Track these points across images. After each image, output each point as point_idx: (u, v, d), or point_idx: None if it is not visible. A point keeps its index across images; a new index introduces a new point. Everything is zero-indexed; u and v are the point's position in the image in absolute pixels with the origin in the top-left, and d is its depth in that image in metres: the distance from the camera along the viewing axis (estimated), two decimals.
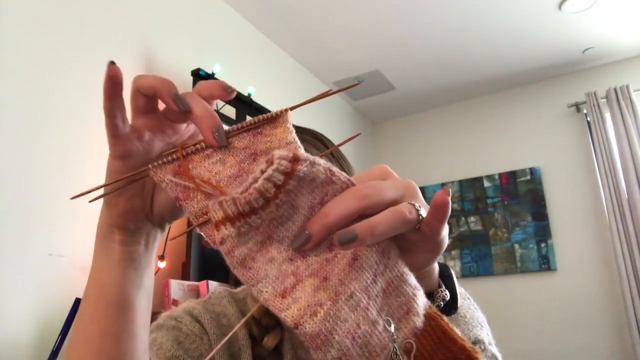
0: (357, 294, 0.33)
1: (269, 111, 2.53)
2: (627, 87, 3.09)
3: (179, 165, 0.39)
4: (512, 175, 3.38)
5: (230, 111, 2.18)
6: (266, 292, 0.33)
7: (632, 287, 2.81)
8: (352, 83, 3.27)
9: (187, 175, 0.38)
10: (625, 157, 2.99)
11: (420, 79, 3.34)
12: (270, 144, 0.40)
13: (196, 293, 1.69)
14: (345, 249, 0.33)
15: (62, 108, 1.54)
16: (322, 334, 0.31)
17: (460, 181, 3.50)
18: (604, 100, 3.18)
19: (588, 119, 3.23)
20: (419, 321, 0.33)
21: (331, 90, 0.44)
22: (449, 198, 0.35)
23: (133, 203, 0.43)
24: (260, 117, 0.42)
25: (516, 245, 3.26)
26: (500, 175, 3.41)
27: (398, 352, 0.32)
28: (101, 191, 0.42)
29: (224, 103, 2.13)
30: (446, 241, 0.38)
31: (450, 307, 0.47)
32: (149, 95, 0.41)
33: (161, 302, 1.65)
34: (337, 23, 2.67)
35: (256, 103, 2.29)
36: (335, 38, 2.80)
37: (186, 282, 1.69)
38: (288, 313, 0.32)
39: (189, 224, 0.39)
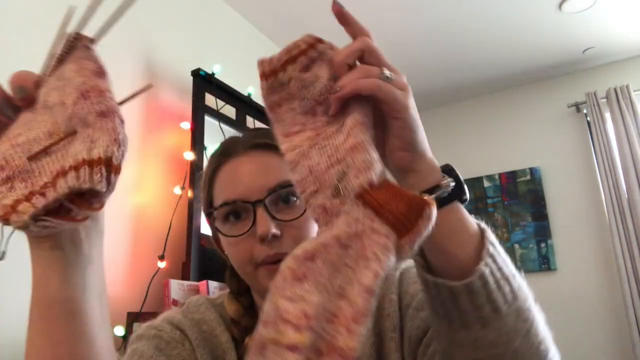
0: (328, 147, 0.43)
1: None
2: (627, 87, 3.09)
3: None
4: (512, 175, 3.38)
5: (230, 111, 2.18)
6: (278, 129, 0.46)
7: (632, 287, 2.81)
8: None
9: None
10: (625, 157, 2.99)
11: (420, 79, 3.34)
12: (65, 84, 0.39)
13: (196, 293, 1.69)
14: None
15: None
16: (293, 162, 0.44)
17: None
18: (604, 100, 3.18)
19: (588, 119, 3.23)
20: (375, 178, 0.41)
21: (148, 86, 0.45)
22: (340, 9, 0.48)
23: None
24: (57, 55, 0.41)
25: (516, 245, 3.26)
26: (500, 175, 3.41)
27: (340, 188, 0.41)
28: None
29: (223, 103, 2.13)
30: (402, 99, 0.44)
31: (460, 195, 0.49)
32: None
33: (161, 302, 1.65)
34: (337, 24, 2.66)
35: (256, 103, 2.29)
36: (335, 38, 2.79)
37: (186, 282, 1.69)
38: (282, 146, 0.46)
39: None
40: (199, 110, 1.98)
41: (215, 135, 2.04)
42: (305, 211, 0.64)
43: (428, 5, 2.57)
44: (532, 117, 3.44)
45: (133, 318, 1.54)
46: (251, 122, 2.28)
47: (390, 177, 0.44)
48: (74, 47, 0.39)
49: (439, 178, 0.48)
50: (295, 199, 0.64)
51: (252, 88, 2.29)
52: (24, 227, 0.34)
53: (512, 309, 0.46)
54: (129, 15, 1.83)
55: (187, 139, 1.94)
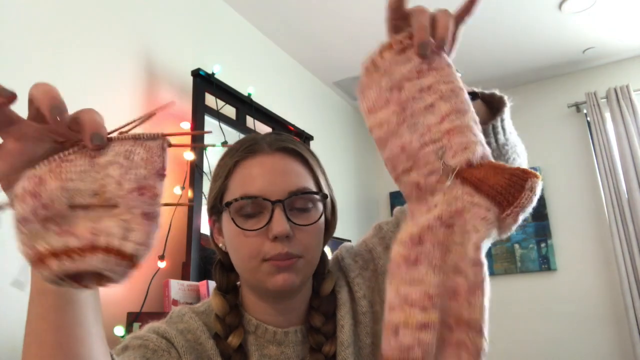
0: (419, 125, 0.46)
1: (269, 111, 2.50)
2: (627, 87, 3.09)
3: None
4: None
5: (230, 111, 2.18)
6: (362, 106, 0.49)
7: (632, 287, 2.81)
8: (352, 83, 3.28)
9: None
10: (625, 157, 2.99)
11: None
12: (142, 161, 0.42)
13: (196, 293, 1.69)
14: (427, 53, 0.50)
15: None
16: (382, 139, 0.47)
17: None
18: (604, 100, 3.18)
19: (588, 119, 3.23)
20: (473, 157, 0.43)
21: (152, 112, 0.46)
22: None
23: None
24: (140, 134, 0.44)
25: (516, 245, 3.26)
26: None
27: (444, 165, 0.43)
28: None
29: (224, 103, 2.13)
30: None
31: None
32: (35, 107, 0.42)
33: (161, 302, 1.65)
34: (337, 23, 2.67)
35: (256, 103, 2.29)
36: (335, 38, 2.80)
37: (186, 282, 1.69)
38: (367, 123, 0.49)
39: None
40: (199, 110, 1.98)
41: (215, 135, 2.04)
42: (318, 219, 0.68)
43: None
44: (532, 117, 3.44)
45: (133, 318, 1.54)
46: (251, 122, 2.28)
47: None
48: (154, 139, 0.42)
49: None
50: (310, 207, 0.68)
51: (252, 88, 2.29)
52: (44, 278, 0.38)
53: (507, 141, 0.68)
54: (129, 16, 1.84)
55: (187, 139, 1.94)
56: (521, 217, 0.40)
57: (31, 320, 0.45)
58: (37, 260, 0.37)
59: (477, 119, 0.46)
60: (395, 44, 0.51)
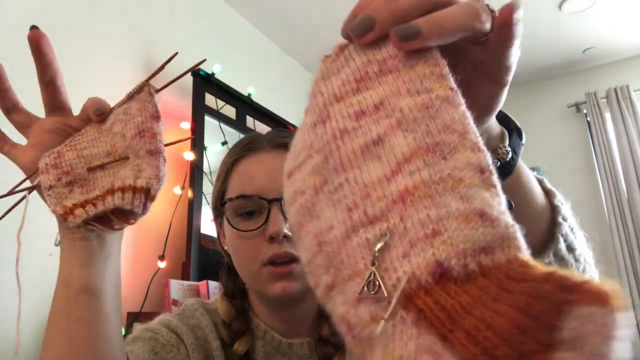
0: (348, 188, 0.23)
1: (269, 111, 2.49)
2: (627, 87, 3.09)
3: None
4: None
5: (230, 111, 2.18)
6: (286, 165, 0.28)
7: (632, 287, 2.81)
8: None
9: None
10: (625, 157, 2.99)
11: None
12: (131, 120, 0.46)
13: (196, 293, 1.69)
14: (404, 47, 0.27)
15: None
16: (295, 225, 0.25)
17: None
18: (604, 100, 3.18)
19: (588, 119, 3.23)
20: (450, 256, 0.19)
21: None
22: (517, 14, 0.28)
23: None
24: (130, 92, 0.49)
25: None
26: None
27: (378, 282, 0.21)
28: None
29: (223, 103, 2.13)
30: (514, 68, 0.31)
31: (512, 165, 0.39)
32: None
33: (161, 302, 1.65)
34: (337, 23, 2.66)
35: (256, 103, 2.29)
36: (335, 38, 2.79)
37: (186, 282, 1.69)
38: (284, 190, 0.27)
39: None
40: (199, 110, 1.98)
41: (215, 135, 2.04)
42: None
43: None
44: (532, 117, 3.44)
45: (133, 318, 1.54)
46: (251, 122, 2.28)
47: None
48: (142, 91, 0.48)
49: (495, 140, 0.38)
50: None
51: (252, 88, 2.29)
52: (76, 227, 0.44)
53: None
54: (129, 16, 1.84)
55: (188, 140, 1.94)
56: None
57: (54, 312, 0.48)
58: (66, 213, 0.43)
59: (483, 162, 0.23)
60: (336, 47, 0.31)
